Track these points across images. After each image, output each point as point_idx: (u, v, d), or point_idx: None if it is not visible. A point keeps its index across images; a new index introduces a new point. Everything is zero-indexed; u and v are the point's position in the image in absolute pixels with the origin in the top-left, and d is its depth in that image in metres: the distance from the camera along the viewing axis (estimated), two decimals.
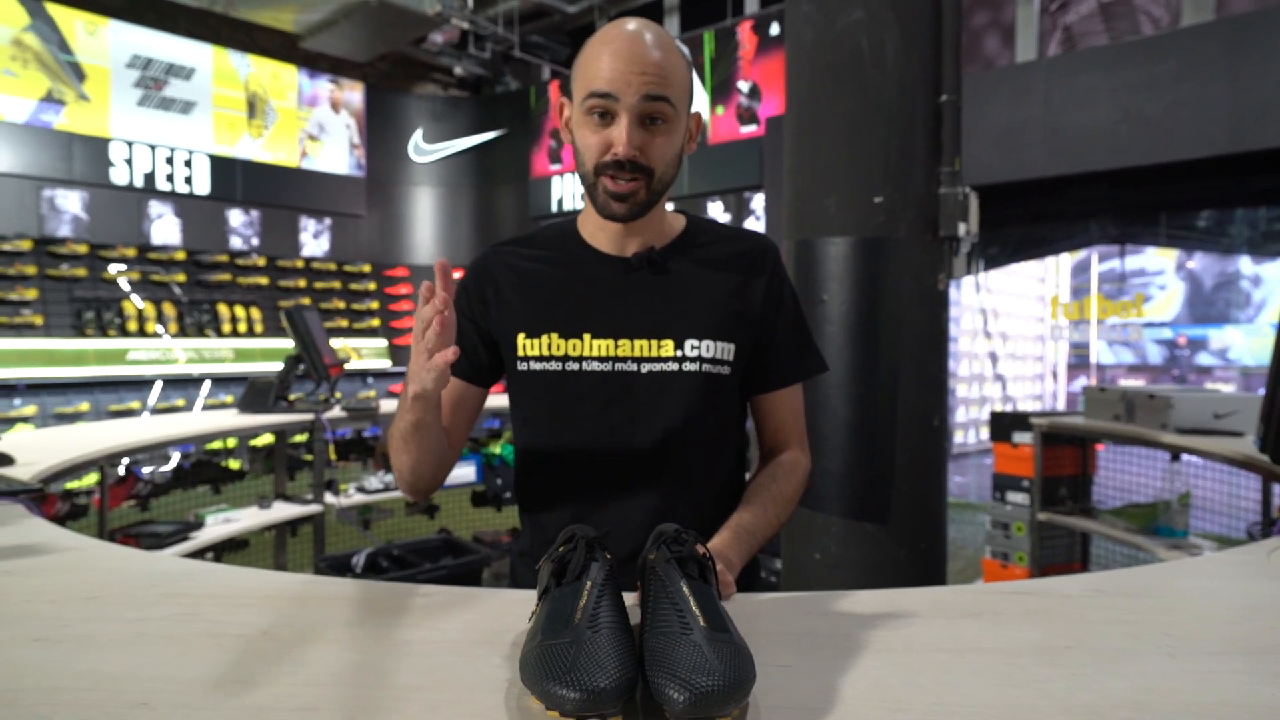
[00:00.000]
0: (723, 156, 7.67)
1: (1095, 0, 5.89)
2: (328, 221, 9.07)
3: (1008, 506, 3.66)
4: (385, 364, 9.15)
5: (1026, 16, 6.15)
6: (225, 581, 0.95)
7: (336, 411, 3.37)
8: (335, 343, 7.74)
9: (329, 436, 3.45)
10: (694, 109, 1.07)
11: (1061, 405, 9.67)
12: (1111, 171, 4.83)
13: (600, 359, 1.05)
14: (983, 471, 7.57)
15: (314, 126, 9.01)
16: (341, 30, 8.05)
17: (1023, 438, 3.58)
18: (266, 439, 4.15)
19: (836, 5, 2.27)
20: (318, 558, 3.35)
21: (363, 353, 8.96)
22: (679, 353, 1.05)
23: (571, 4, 8.80)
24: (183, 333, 7.56)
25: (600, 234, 1.08)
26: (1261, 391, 1.49)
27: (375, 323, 9.23)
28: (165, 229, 7.75)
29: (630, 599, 0.81)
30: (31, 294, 6.75)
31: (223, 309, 7.87)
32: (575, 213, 1.14)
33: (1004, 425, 3.74)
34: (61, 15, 7.13)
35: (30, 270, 6.79)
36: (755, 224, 7.39)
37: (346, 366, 3.77)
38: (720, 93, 7.76)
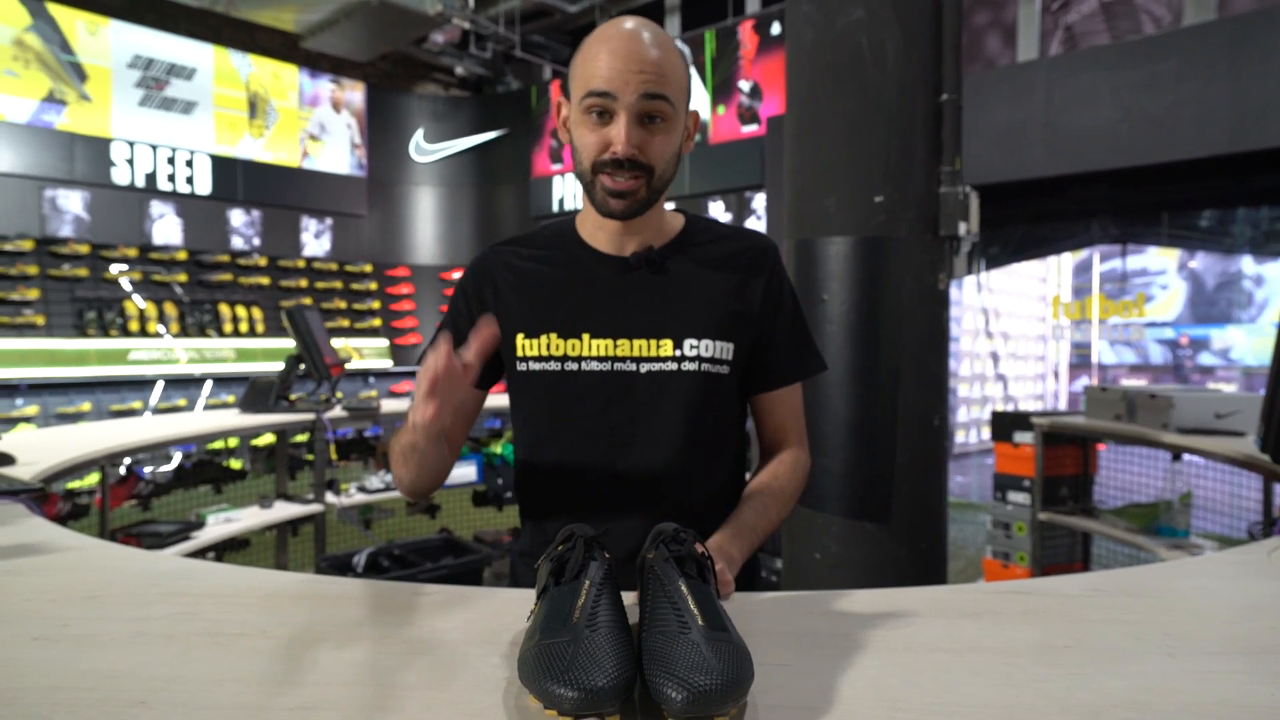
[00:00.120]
0: (724, 156, 7.66)
1: None
2: (329, 221, 9.08)
3: (1009, 506, 3.66)
4: (386, 364, 9.16)
5: (1028, 16, 6.15)
6: (225, 581, 0.95)
7: (338, 411, 3.37)
8: (336, 342, 7.73)
9: (330, 436, 3.45)
10: (692, 107, 1.07)
11: (1063, 405, 9.66)
12: (1113, 171, 4.82)
13: (599, 359, 1.05)
14: (984, 471, 7.57)
15: (315, 126, 9.01)
16: (342, 30, 8.06)
17: (1024, 437, 3.58)
18: (268, 439, 4.15)
19: (837, 5, 2.27)
20: (319, 557, 3.35)
21: (364, 352, 8.96)
22: (678, 352, 1.05)
23: (573, 3, 8.80)
24: (184, 333, 7.57)
25: (599, 233, 1.08)
26: (1262, 391, 1.49)
27: (376, 322, 9.23)
28: (167, 229, 7.76)
29: (629, 598, 0.81)
30: (33, 294, 6.76)
31: (224, 309, 7.87)
32: (576, 212, 1.14)
33: (1005, 425, 3.74)
34: (63, 15, 7.14)
35: (32, 270, 6.80)
36: (756, 223, 7.39)
37: (347, 366, 3.77)
38: (721, 92, 7.76)
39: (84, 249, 7.10)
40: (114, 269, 7.28)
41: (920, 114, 2.27)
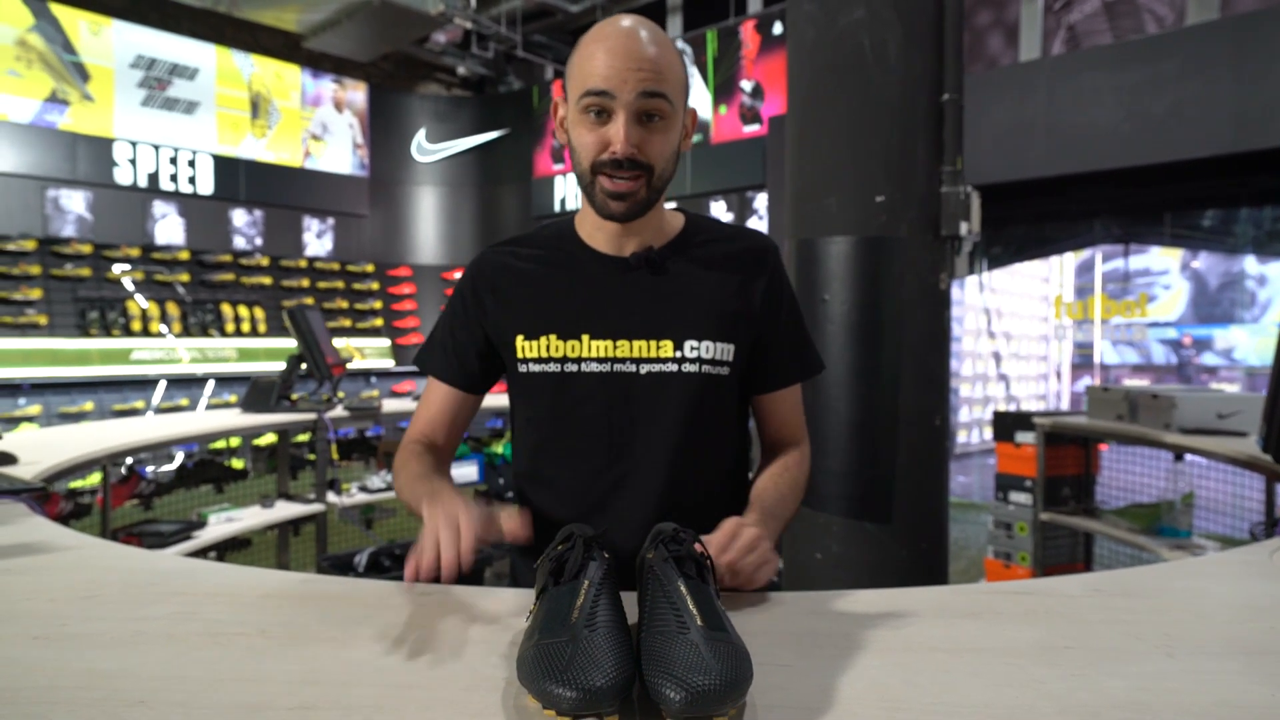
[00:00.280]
0: (725, 156, 7.66)
1: None
2: (331, 221, 9.09)
3: (1010, 506, 3.65)
4: (388, 364, 9.17)
5: (1030, 15, 6.14)
6: (224, 580, 0.95)
7: (339, 411, 3.37)
8: (338, 342, 7.73)
9: (331, 436, 3.46)
10: (690, 105, 1.07)
11: (1065, 405, 9.64)
12: (1115, 171, 4.81)
13: (599, 360, 1.04)
14: (986, 471, 7.56)
15: (317, 126, 9.02)
16: (344, 30, 8.07)
17: (1026, 437, 3.57)
18: (269, 438, 4.16)
19: (838, 4, 2.27)
20: (320, 557, 3.35)
21: (365, 352, 8.97)
22: (678, 353, 1.04)
23: (574, 3, 8.80)
24: (186, 332, 7.58)
25: (598, 234, 1.08)
26: (1265, 391, 1.49)
27: (378, 322, 9.24)
28: (169, 229, 7.77)
29: (629, 598, 0.80)
30: (36, 294, 6.77)
31: (226, 309, 7.88)
32: (575, 213, 1.14)
33: (1007, 425, 3.73)
34: (65, 15, 7.15)
35: (35, 270, 6.81)
36: (758, 223, 7.38)
37: (349, 366, 3.78)
38: (723, 92, 7.75)
39: (86, 249, 7.11)
40: (116, 269, 7.29)
41: (922, 113, 2.27)
